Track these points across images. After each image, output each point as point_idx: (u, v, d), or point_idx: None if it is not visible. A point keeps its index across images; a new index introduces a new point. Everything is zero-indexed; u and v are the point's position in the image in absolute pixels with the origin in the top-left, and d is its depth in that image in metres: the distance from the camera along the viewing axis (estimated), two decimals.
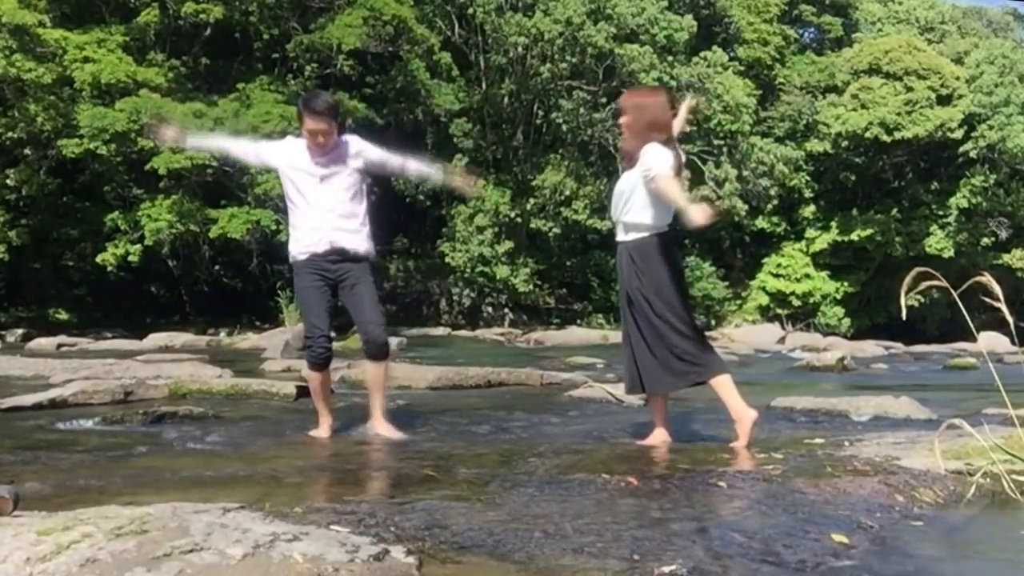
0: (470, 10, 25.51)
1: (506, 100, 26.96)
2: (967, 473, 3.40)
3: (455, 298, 25.79)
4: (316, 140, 4.41)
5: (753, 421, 4.19)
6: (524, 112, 27.16)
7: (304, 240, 4.52)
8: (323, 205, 4.47)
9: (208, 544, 2.04)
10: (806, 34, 36.19)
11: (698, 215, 3.96)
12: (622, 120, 4.39)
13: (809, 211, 31.66)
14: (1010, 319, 3.31)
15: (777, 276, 30.86)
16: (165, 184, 19.45)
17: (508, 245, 24.98)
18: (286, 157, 4.59)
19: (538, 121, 27.27)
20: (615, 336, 18.43)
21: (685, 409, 5.44)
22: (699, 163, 25.95)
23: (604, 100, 25.78)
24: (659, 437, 4.31)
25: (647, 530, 2.60)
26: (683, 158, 4.46)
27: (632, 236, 4.25)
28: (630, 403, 6.05)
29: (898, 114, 29.19)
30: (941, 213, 30.80)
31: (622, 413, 5.72)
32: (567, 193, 25.86)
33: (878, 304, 29.82)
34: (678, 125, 4.51)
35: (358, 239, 4.56)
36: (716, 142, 27.04)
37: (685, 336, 4.17)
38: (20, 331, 16.69)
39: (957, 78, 30.02)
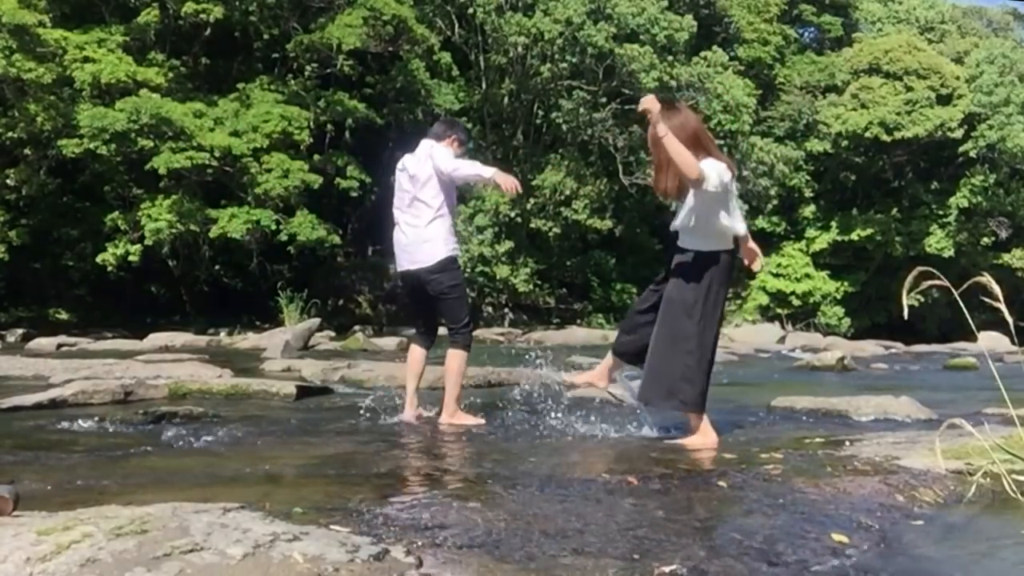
0: (470, 10, 25.49)
1: (506, 100, 26.95)
2: (967, 473, 3.40)
3: None
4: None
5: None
6: (524, 112, 27.15)
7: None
8: None
9: (208, 544, 2.03)
10: (806, 34, 36.20)
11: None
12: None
13: (809, 211, 31.66)
14: (1010, 319, 3.30)
15: (777, 276, 30.84)
16: (165, 184, 19.43)
17: (508, 245, 24.96)
18: None
19: (538, 121, 27.26)
20: (615, 336, 18.43)
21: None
22: None
23: (604, 100, 25.77)
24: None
25: (647, 530, 2.60)
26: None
27: (713, 247, 4.38)
28: (629, 403, 6.04)
29: (898, 114, 29.18)
30: (941, 213, 30.79)
31: (622, 413, 5.71)
32: (567, 193, 25.84)
33: (878, 304, 29.79)
34: None
35: None
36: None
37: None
38: (20, 331, 16.65)
39: (957, 78, 30.01)
